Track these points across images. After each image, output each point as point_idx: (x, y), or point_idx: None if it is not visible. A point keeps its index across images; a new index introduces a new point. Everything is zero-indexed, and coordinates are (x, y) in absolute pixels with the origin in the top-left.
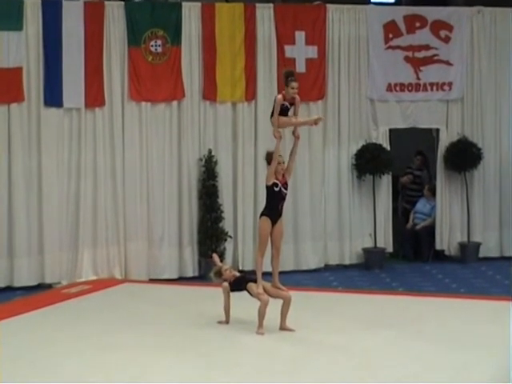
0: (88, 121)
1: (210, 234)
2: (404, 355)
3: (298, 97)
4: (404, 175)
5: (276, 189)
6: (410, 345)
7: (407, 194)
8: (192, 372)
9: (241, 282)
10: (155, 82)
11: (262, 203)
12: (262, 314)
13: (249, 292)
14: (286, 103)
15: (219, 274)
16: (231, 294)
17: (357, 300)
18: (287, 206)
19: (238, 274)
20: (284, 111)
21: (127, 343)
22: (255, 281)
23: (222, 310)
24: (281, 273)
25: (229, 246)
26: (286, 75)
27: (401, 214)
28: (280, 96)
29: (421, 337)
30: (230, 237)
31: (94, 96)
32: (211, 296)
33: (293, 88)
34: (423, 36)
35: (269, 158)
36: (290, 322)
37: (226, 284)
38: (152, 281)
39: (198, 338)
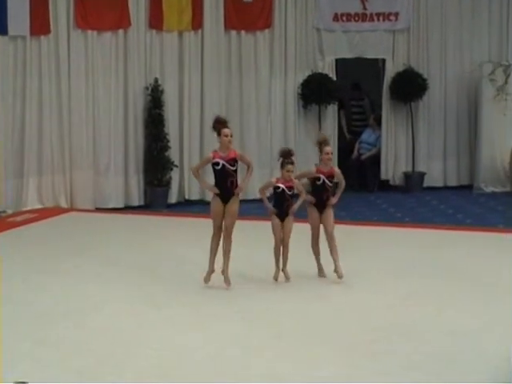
0: (33, 49)
1: (156, 163)
2: (353, 280)
3: (296, 181)
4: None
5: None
6: (359, 271)
7: (352, 124)
8: (134, 300)
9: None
10: (101, 10)
11: (209, 133)
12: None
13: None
14: (282, 186)
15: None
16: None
17: (302, 228)
18: (233, 135)
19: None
20: (279, 195)
21: (72, 270)
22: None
23: (165, 240)
24: None
25: (175, 175)
26: (284, 154)
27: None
28: (274, 179)
29: (367, 263)
30: (176, 166)
31: (40, 24)
32: (157, 225)
33: (288, 171)
34: None
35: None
36: (240, 251)
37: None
38: (98, 210)
39: (140, 267)
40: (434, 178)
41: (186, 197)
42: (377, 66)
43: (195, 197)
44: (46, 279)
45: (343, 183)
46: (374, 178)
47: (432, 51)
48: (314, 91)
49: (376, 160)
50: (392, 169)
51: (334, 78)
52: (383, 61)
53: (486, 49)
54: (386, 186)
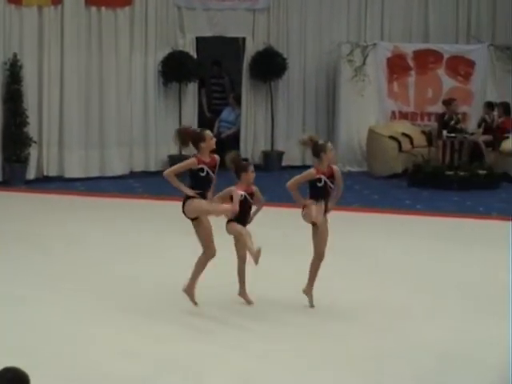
0: None
1: (15, 139)
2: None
3: (255, 187)
4: None
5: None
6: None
7: (212, 102)
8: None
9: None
10: None
11: (69, 109)
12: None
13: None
14: (244, 193)
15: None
16: None
17: (162, 206)
18: (93, 112)
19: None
20: (242, 204)
21: None
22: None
23: (23, 217)
24: (86, 179)
25: (33, 151)
26: (237, 158)
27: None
28: (234, 187)
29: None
30: (35, 142)
31: None
32: (14, 201)
33: (253, 172)
34: None
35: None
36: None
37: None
38: None
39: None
40: (292, 157)
41: (45, 173)
42: (237, 44)
43: (53, 173)
44: None
45: (342, 184)
46: None
47: (292, 31)
48: (175, 69)
49: (235, 139)
50: (251, 148)
51: (195, 56)
52: (243, 40)
53: (345, 29)
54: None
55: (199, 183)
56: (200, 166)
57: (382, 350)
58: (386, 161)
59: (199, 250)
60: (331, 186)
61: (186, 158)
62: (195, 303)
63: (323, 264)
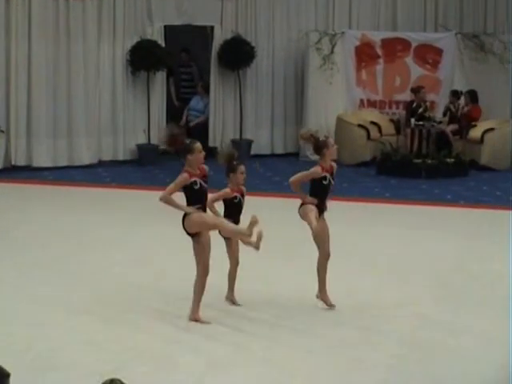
0: None
1: None
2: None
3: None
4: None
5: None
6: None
7: (180, 91)
8: None
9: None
10: None
11: (36, 99)
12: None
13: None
14: (239, 195)
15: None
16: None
17: (129, 195)
18: (61, 101)
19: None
20: (236, 206)
21: None
22: None
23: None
24: (55, 168)
25: (1, 140)
26: (230, 158)
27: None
28: (228, 189)
29: None
30: (2, 131)
31: None
32: None
33: (242, 173)
34: None
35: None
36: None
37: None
38: None
39: None
40: (261, 146)
41: (13, 162)
42: (205, 33)
43: (21, 162)
44: None
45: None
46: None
47: (260, 19)
48: (143, 58)
49: (204, 127)
50: (220, 136)
51: (163, 45)
52: (212, 28)
53: (313, 18)
54: (214, 153)
55: (195, 197)
56: (193, 180)
57: (355, 340)
58: (355, 149)
59: (169, 239)
60: (332, 182)
61: (154, 146)
62: (208, 322)
63: (292, 256)
